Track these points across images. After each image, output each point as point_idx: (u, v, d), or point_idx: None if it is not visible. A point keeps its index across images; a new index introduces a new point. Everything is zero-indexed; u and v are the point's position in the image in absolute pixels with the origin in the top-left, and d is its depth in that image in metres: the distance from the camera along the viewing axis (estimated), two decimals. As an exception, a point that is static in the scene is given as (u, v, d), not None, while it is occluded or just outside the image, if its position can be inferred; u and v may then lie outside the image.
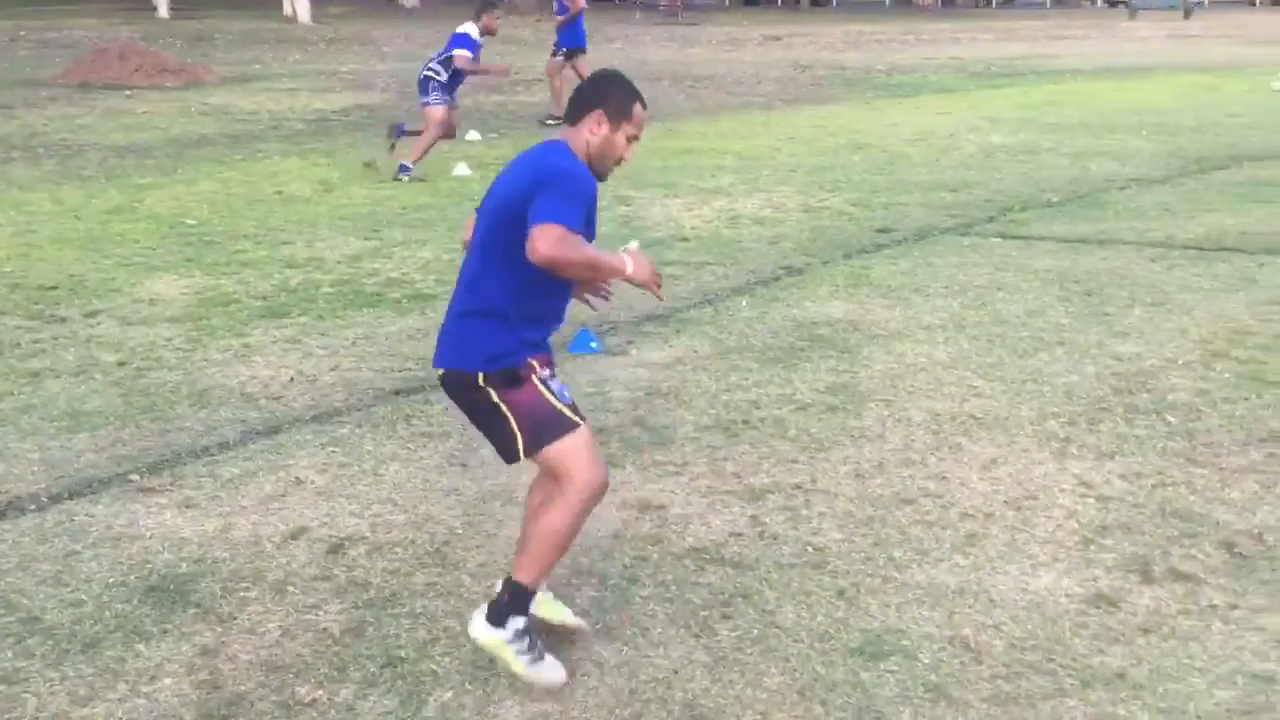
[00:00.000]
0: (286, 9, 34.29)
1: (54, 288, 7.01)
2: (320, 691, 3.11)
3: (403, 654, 3.28)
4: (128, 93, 16.69)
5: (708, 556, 3.81)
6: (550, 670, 3.11)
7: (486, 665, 3.21)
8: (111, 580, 3.68)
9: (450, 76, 10.57)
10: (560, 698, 3.08)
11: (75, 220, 8.87)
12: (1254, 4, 51.28)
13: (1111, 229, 8.41)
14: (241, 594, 3.60)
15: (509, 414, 3.04)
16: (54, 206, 9.37)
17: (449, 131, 10.91)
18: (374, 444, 4.73)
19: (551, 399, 3.06)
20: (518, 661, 3.08)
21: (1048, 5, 53.26)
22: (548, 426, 3.03)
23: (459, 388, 3.12)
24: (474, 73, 10.81)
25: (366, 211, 9.21)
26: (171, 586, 3.64)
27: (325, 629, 3.41)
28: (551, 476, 3.10)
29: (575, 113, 3.16)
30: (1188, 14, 42.25)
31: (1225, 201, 9.36)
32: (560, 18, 13.93)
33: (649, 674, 3.18)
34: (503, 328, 3.04)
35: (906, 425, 4.86)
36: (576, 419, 3.07)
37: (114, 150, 12.09)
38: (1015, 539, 3.91)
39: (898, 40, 29.98)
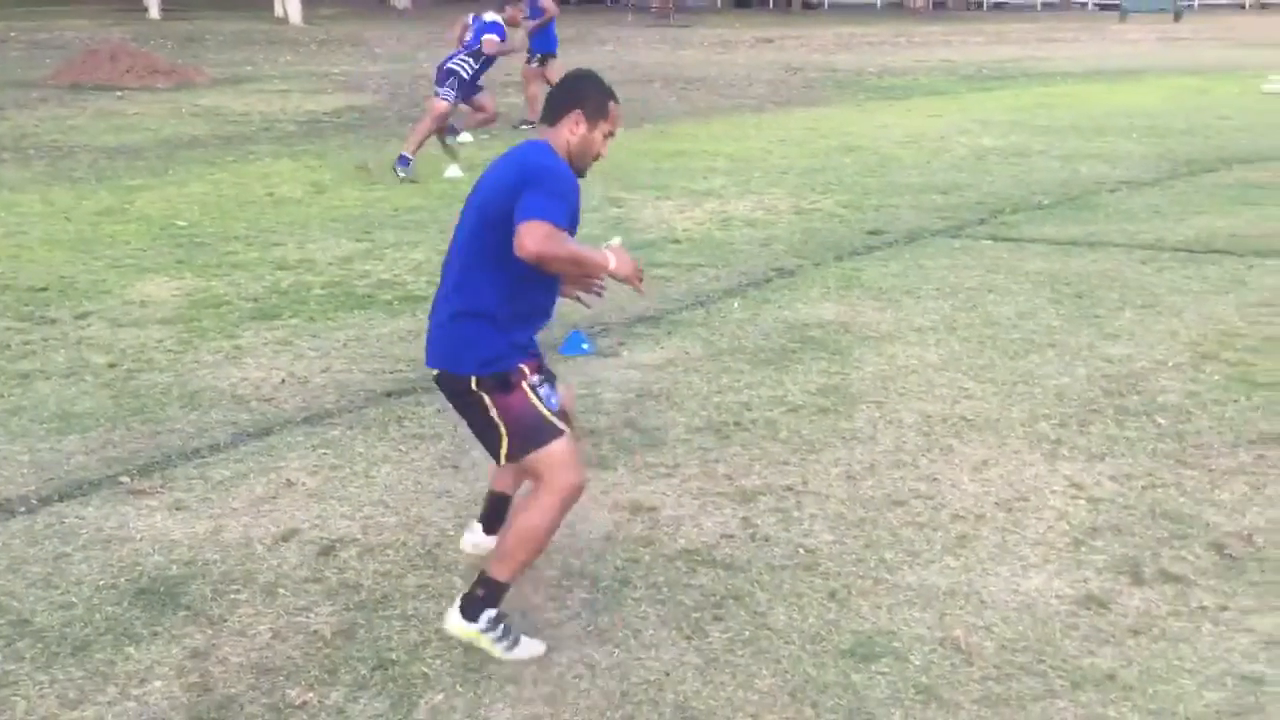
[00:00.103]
0: (278, 10, 34.25)
1: (44, 289, 6.99)
2: (311, 694, 3.10)
3: (394, 656, 3.28)
4: (119, 94, 16.65)
5: (699, 558, 3.81)
6: (528, 648, 3.25)
7: (478, 667, 3.21)
8: (102, 583, 3.67)
9: (478, 68, 10.63)
10: (551, 700, 3.08)
11: (66, 221, 8.85)
12: (1243, 7, 51.48)
13: (1102, 231, 8.44)
14: (232, 596, 3.60)
15: (498, 419, 3.15)
16: (44, 208, 9.34)
17: (442, 128, 10.93)
18: (365, 446, 4.73)
19: (539, 406, 3.15)
20: (496, 649, 3.22)
21: (1038, 8, 53.39)
22: (534, 434, 3.14)
23: (452, 388, 3.23)
24: (504, 53, 10.91)
25: (358, 213, 9.20)
26: (162, 589, 3.63)
27: (316, 631, 3.40)
28: (533, 477, 3.21)
29: (554, 114, 3.26)
30: (1177, 17, 42.36)
31: (1215, 204, 9.39)
32: (533, 22, 13.94)
33: (640, 676, 3.19)
34: (493, 330, 3.13)
35: (898, 427, 4.87)
36: (560, 426, 3.17)
37: (105, 151, 12.07)
38: (1006, 540, 3.92)
39: (889, 43, 30.03)
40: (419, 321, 6.16)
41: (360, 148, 12.27)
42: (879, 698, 3.09)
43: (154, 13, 32.81)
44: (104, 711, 3.04)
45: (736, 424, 4.92)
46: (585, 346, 5.84)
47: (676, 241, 8.25)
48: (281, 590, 3.63)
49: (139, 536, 3.97)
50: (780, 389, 5.31)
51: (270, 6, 35.25)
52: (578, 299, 3.51)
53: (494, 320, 3.12)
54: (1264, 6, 51.59)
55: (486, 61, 10.75)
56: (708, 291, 6.97)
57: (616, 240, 3.32)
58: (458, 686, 3.14)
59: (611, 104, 3.28)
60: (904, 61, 23.91)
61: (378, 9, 41.85)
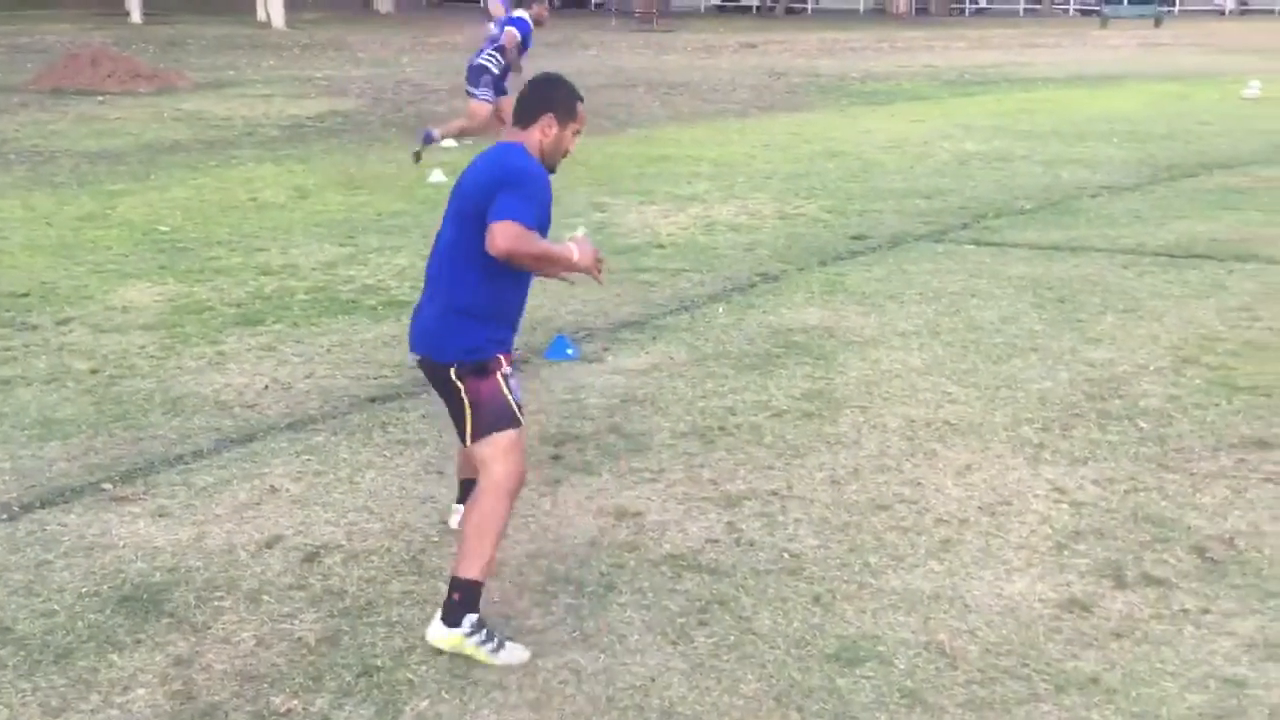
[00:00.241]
0: (260, 14, 34.17)
1: (25, 295, 6.95)
2: (295, 701, 3.09)
3: (379, 663, 3.27)
4: (100, 98, 16.58)
5: (684, 563, 3.81)
6: (514, 654, 3.29)
7: (463, 674, 3.21)
8: (84, 590, 3.65)
9: (504, 64, 10.62)
10: (537, 705, 3.08)
11: (47, 227, 8.80)
12: (1224, 13, 51.84)
13: (1083, 236, 8.48)
14: (216, 603, 3.58)
15: (467, 401, 3.37)
16: (25, 213, 9.29)
17: (483, 129, 10.91)
18: (349, 452, 4.71)
19: (508, 395, 3.38)
20: (481, 652, 3.26)
21: (1020, 13, 53.64)
22: (496, 419, 3.35)
23: (433, 373, 3.47)
24: (513, 55, 10.82)
25: (342, 218, 9.18)
26: (145, 596, 3.62)
27: (300, 638, 3.39)
28: (479, 463, 3.38)
29: (526, 117, 3.48)
30: (1158, 23, 42.62)
31: (1195, 209, 9.45)
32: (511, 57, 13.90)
33: (626, 681, 3.19)
34: (475, 323, 3.37)
35: (882, 431, 4.88)
36: (520, 418, 3.41)
37: (86, 156, 12.01)
38: (990, 544, 3.93)
39: (872, 48, 30.13)
40: (403, 326, 6.12)
41: (344, 152, 12.24)
42: (864, 702, 3.09)
43: (136, 17, 32.69)
44: (87, 719, 3.02)
45: (721, 429, 4.92)
46: (570, 352, 5.84)
47: (661, 246, 8.26)
48: (265, 597, 3.62)
49: (121, 543, 3.95)
50: (765, 394, 5.32)
51: (253, 10, 35.17)
52: (562, 278, 3.69)
53: (476, 314, 3.36)
54: (1244, 12, 51.97)
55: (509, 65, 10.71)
56: (692, 296, 6.98)
57: (580, 231, 3.55)
58: (443, 693, 3.14)
59: (579, 105, 3.53)
60: (887, 67, 23.99)
61: (361, 13, 41.79)
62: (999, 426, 4.92)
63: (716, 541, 3.96)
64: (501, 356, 3.39)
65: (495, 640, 3.27)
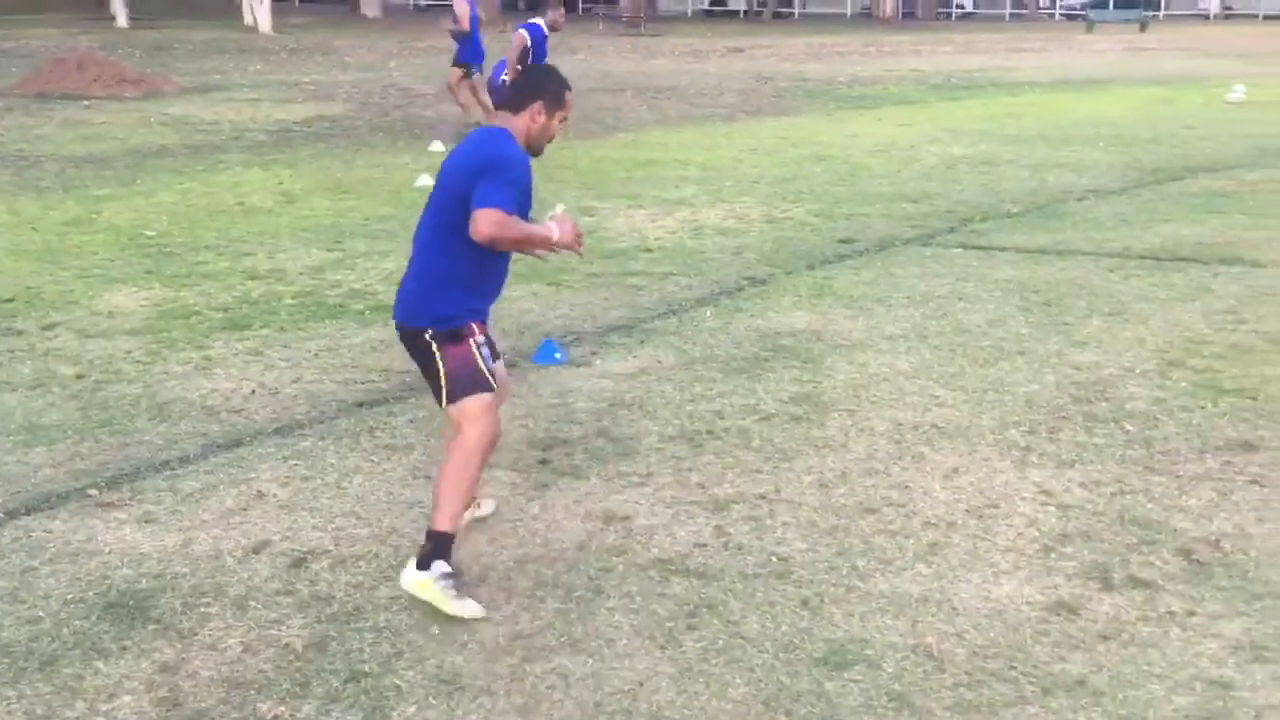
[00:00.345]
0: (247, 19, 34.11)
1: (10, 300, 6.92)
2: (282, 708, 3.08)
3: (366, 669, 3.26)
4: (86, 103, 16.53)
5: (673, 567, 3.81)
6: (471, 608, 3.50)
7: (451, 679, 3.20)
8: (70, 597, 3.64)
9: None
10: (525, 711, 3.08)
11: (32, 232, 8.77)
12: (1208, 17, 52.10)
13: (1070, 239, 8.51)
14: (202, 609, 3.57)
15: (442, 366, 3.58)
16: (10, 218, 9.25)
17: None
18: (337, 457, 4.70)
19: (480, 362, 3.59)
20: (443, 598, 3.49)
21: (1006, 18, 53.85)
22: (469, 383, 3.57)
23: (410, 338, 3.67)
24: (513, 57, 10.79)
25: (329, 223, 9.17)
26: (131, 603, 3.60)
27: (287, 644, 3.38)
28: (455, 426, 3.60)
29: (517, 103, 3.69)
30: (1143, 27, 42.82)
31: (1180, 212, 9.49)
32: (451, 29, 13.88)
33: (614, 686, 3.18)
34: (452, 292, 3.58)
35: (869, 435, 4.89)
36: (492, 383, 3.61)
37: (72, 161, 11.97)
38: (977, 547, 3.94)
39: (859, 52, 30.21)
40: (390, 331, 6.12)
41: (331, 157, 12.21)
42: (852, 705, 3.10)
43: (122, 21, 32.62)
44: (72, 727, 3.01)
45: (709, 432, 4.92)
46: (558, 356, 5.83)
47: (649, 250, 8.26)
48: (252, 603, 3.61)
49: (107, 550, 3.94)
50: (753, 397, 5.33)
51: (240, 15, 35.11)
52: (538, 255, 3.95)
53: (454, 284, 3.58)
54: (1228, 17, 52.23)
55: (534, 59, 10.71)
56: (680, 300, 6.98)
57: (560, 208, 3.77)
58: (431, 699, 3.13)
59: (568, 94, 3.75)
60: (874, 71, 24.06)
61: (348, 17, 41.75)
62: (986, 429, 4.93)
63: (704, 545, 3.96)
64: (475, 325, 3.60)
65: (458, 591, 3.51)
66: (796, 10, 54.14)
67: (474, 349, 3.58)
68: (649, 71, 23.27)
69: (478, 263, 3.58)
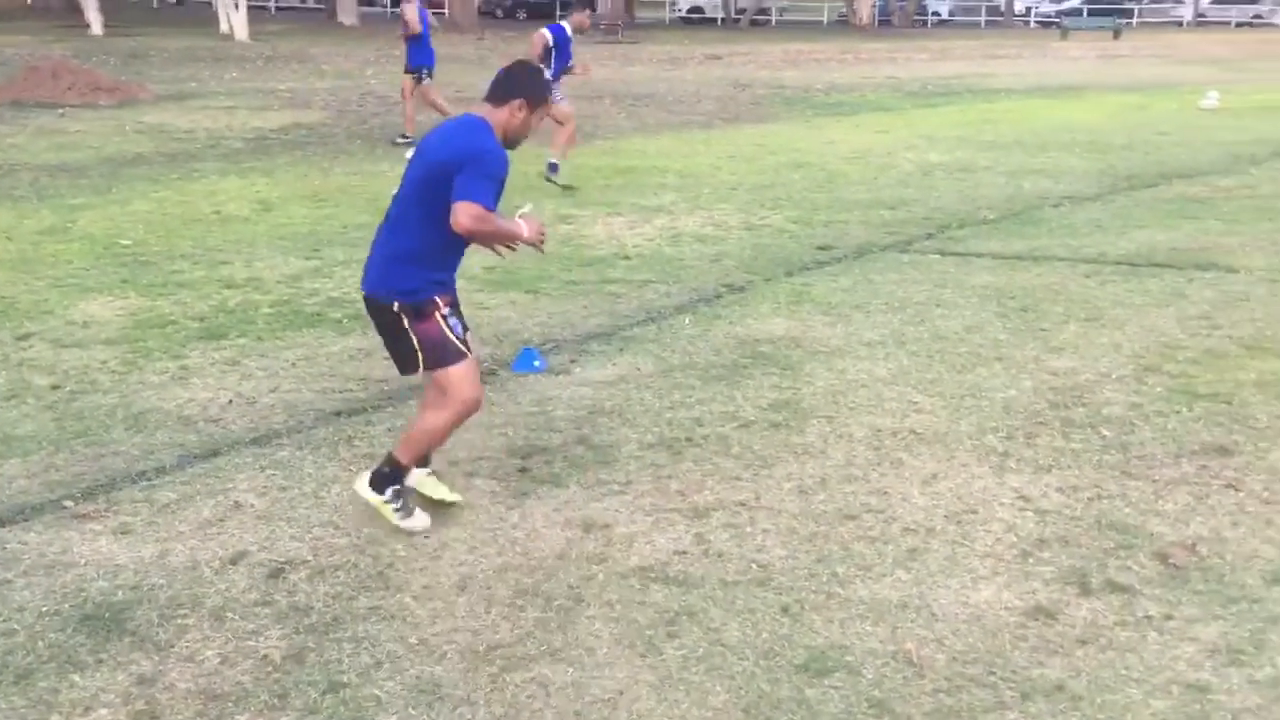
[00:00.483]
0: (223, 26, 33.97)
1: (-16, 310, 6.86)
2: None
3: (345, 679, 3.25)
4: (60, 111, 16.42)
5: (653, 575, 3.81)
6: (418, 521, 4.04)
7: (430, 689, 3.19)
8: (45, 609, 3.60)
9: (553, 70, 10.65)
10: (505, 720, 3.07)
11: (6, 241, 8.70)
12: (1181, 24, 52.55)
13: (1046, 245, 8.56)
14: (179, 621, 3.54)
15: (414, 339, 3.85)
16: (-16, 227, 9.18)
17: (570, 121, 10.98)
18: (315, 466, 4.68)
19: (449, 333, 3.85)
20: (394, 517, 4.02)
21: (982, 25, 54.18)
22: (442, 354, 3.86)
23: (377, 309, 3.91)
24: (539, 59, 10.79)
25: (306, 231, 9.13)
26: (107, 615, 3.57)
27: (265, 655, 3.36)
28: (440, 390, 3.93)
29: (500, 97, 3.86)
30: (1117, 35, 43.16)
31: (1155, 218, 9.57)
32: (402, 34, 13.88)
33: (595, 694, 3.18)
34: (418, 268, 3.81)
35: (848, 441, 4.90)
36: (464, 350, 3.89)
37: (46, 169, 11.88)
38: (956, 553, 3.95)
39: (836, 59, 30.33)
40: (369, 340, 6.12)
41: (308, 165, 12.17)
42: (832, 712, 3.10)
43: (96, 29, 32.41)
44: (48, 741, 2.98)
45: (688, 440, 4.93)
46: (537, 364, 5.83)
47: (627, 258, 8.26)
48: (230, 614, 3.58)
49: (83, 561, 3.90)
50: (732, 404, 5.33)
51: (215, 23, 34.96)
52: (496, 251, 4.13)
53: (419, 260, 3.80)
54: (1201, 24, 52.68)
55: (556, 65, 10.72)
56: (659, 308, 6.98)
57: (528, 207, 4.04)
58: (410, 709, 3.11)
59: (550, 96, 4.00)
60: (851, 78, 24.16)
61: (325, 25, 41.64)
62: (964, 435, 4.95)
63: (685, 553, 3.96)
64: (439, 299, 3.84)
65: (407, 509, 4.01)
66: (773, 18, 54.33)
67: (440, 322, 3.84)
68: (627, 79, 23.30)
69: (443, 245, 3.79)
